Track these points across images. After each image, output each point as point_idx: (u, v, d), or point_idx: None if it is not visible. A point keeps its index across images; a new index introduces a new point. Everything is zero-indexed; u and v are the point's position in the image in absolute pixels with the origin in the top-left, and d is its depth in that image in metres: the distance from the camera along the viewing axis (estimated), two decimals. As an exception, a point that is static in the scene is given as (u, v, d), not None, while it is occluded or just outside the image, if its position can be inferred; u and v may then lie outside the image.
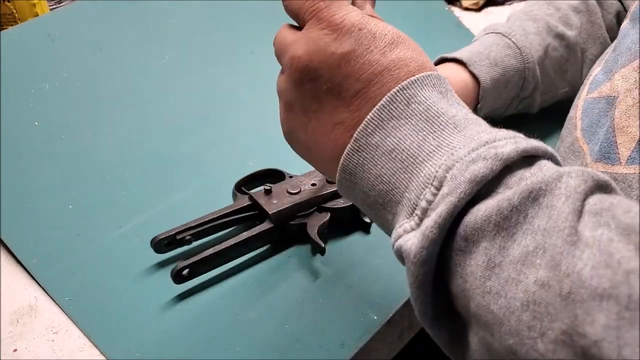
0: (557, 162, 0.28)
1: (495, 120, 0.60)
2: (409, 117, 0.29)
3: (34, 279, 0.44)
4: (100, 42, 0.59)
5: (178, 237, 0.44)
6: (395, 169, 0.29)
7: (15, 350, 0.39)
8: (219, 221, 0.46)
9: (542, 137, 0.61)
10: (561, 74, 0.60)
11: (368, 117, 0.30)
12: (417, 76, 0.30)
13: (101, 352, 0.38)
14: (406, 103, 0.29)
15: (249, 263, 0.45)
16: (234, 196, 0.49)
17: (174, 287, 0.42)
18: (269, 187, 0.47)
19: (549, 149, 0.28)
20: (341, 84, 0.31)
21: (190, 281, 0.42)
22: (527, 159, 0.27)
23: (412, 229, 0.27)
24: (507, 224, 0.24)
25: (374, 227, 0.47)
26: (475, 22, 0.85)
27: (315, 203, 0.46)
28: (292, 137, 0.35)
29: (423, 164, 0.28)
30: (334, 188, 0.47)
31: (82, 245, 0.46)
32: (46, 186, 0.49)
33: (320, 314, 0.40)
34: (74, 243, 0.46)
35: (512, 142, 0.26)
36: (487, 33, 0.60)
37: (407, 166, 0.28)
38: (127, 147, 0.54)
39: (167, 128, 0.57)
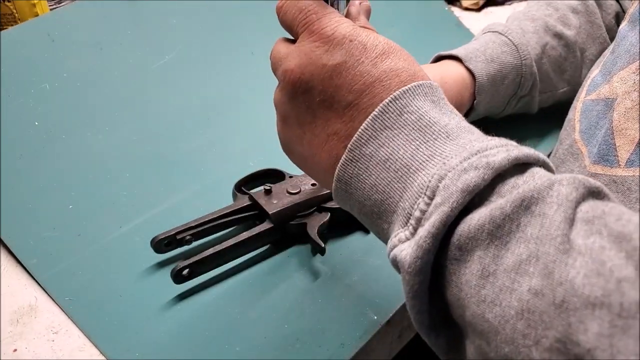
0: (549, 169, 0.28)
1: (494, 121, 0.60)
2: (402, 127, 0.29)
3: (34, 279, 0.44)
4: (100, 42, 0.59)
5: (178, 237, 0.44)
6: (389, 179, 0.29)
7: (15, 350, 0.39)
8: (219, 221, 0.46)
9: (541, 138, 0.61)
10: (560, 73, 0.60)
11: (361, 127, 0.30)
12: (409, 86, 0.30)
13: (101, 352, 0.38)
14: (399, 113, 0.30)
15: (249, 263, 0.45)
16: (234, 196, 0.49)
17: (174, 287, 0.42)
18: (269, 187, 0.47)
19: (541, 156, 0.28)
20: (333, 95, 0.31)
21: (190, 281, 0.42)
22: (519, 167, 0.27)
23: (407, 239, 0.28)
24: (500, 232, 0.24)
25: (374, 227, 0.47)
26: (475, 22, 0.85)
27: (315, 203, 0.46)
28: (289, 149, 0.36)
29: (416, 174, 0.28)
30: (334, 188, 0.47)
31: (82, 245, 0.46)
32: (46, 186, 0.49)
33: (320, 314, 0.40)
34: (74, 243, 0.46)
35: (503, 150, 0.27)
36: (485, 32, 0.60)
37: (401, 176, 0.29)
38: (127, 147, 0.54)
39: (167, 128, 0.57)
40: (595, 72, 0.46)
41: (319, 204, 0.46)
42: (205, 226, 0.45)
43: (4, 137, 0.50)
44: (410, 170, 0.28)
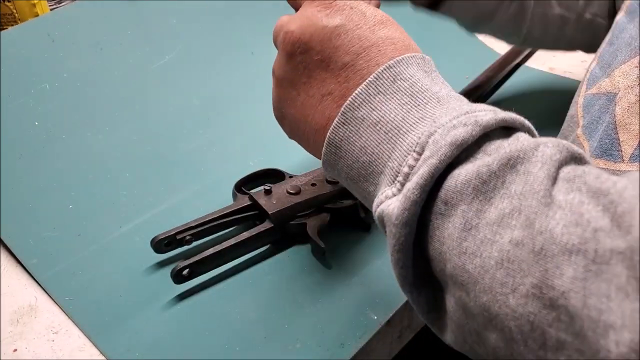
0: (533, 135, 0.29)
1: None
2: (395, 93, 0.30)
3: (34, 279, 0.44)
4: (100, 42, 0.59)
5: (178, 237, 0.44)
6: (379, 140, 0.30)
7: (15, 350, 0.39)
8: (219, 221, 0.46)
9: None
10: None
11: (356, 92, 0.31)
12: (403, 56, 0.31)
13: (101, 352, 0.38)
14: (392, 80, 0.31)
15: (249, 263, 0.45)
16: (234, 196, 0.49)
17: (174, 287, 0.42)
18: (269, 187, 0.47)
19: (526, 122, 0.29)
20: (330, 56, 0.33)
21: (190, 281, 0.42)
22: (506, 130, 0.28)
23: (394, 195, 0.28)
24: (485, 188, 0.25)
25: (374, 227, 0.47)
26: (475, 22, 0.85)
27: (315, 203, 0.46)
28: (282, 113, 0.37)
29: (406, 135, 0.29)
30: (334, 188, 0.47)
31: (82, 245, 0.46)
32: (46, 186, 0.49)
33: (320, 314, 0.40)
34: (74, 243, 0.46)
35: (491, 112, 0.28)
36: None
37: (391, 137, 0.30)
38: (127, 147, 0.54)
39: (167, 128, 0.57)
40: (593, 65, 0.45)
41: (319, 204, 0.46)
42: (205, 226, 0.45)
43: (4, 137, 0.50)
44: (401, 132, 0.29)
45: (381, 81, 0.31)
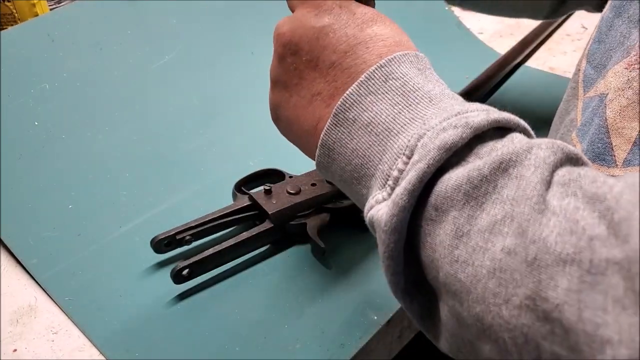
0: (529, 135, 0.28)
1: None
2: (386, 93, 0.30)
3: (34, 279, 0.44)
4: (100, 42, 0.59)
5: (178, 237, 0.44)
6: (370, 143, 0.30)
7: (15, 350, 0.39)
8: (219, 221, 0.46)
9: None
10: None
11: (347, 92, 0.31)
12: (395, 54, 0.31)
13: (101, 352, 0.38)
14: (384, 79, 0.30)
15: (249, 263, 0.45)
16: (234, 196, 0.49)
17: (174, 287, 0.42)
18: (269, 187, 0.47)
19: (522, 122, 0.28)
20: (319, 56, 0.32)
21: (190, 281, 0.42)
22: (499, 131, 0.27)
23: (384, 199, 0.28)
24: (476, 193, 0.25)
25: (374, 227, 0.47)
26: (475, 22, 0.85)
27: (315, 203, 0.46)
28: (277, 116, 0.36)
29: (397, 137, 0.28)
30: (334, 188, 0.47)
31: (82, 245, 0.46)
32: (46, 186, 0.49)
33: (320, 314, 0.40)
34: (74, 243, 0.46)
35: (484, 113, 0.27)
36: None
37: (382, 139, 0.29)
38: (127, 147, 0.54)
39: (167, 128, 0.57)
40: (583, 64, 0.45)
41: (319, 204, 0.46)
42: (205, 226, 0.45)
43: (4, 137, 0.50)
44: (392, 133, 0.29)
45: (372, 81, 0.30)
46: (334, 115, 0.31)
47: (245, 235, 0.44)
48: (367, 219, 0.29)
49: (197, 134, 0.57)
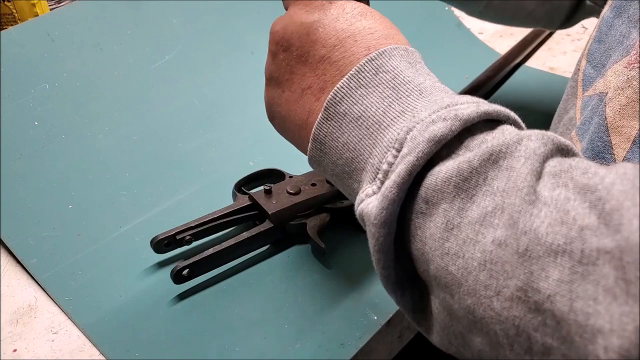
0: (520, 127, 0.28)
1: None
2: (376, 86, 0.30)
3: (34, 279, 0.44)
4: (100, 42, 0.59)
5: (178, 237, 0.44)
6: (360, 136, 0.30)
7: (15, 350, 0.39)
8: (219, 221, 0.46)
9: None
10: None
11: (337, 86, 0.31)
12: (386, 47, 0.31)
13: (101, 352, 0.38)
14: (374, 72, 0.30)
15: (249, 263, 0.45)
16: (234, 196, 0.49)
17: (174, 287, 0.42)
18: (269, 187, 0.47)
19: (512, 113, 0.28)
20: (309, 50, 0.33)
21: (190, 281, 0.42)
22: (490, 124, 0.27)
23: (374, 193, 0.28)
24: (466, 185, 0.25)
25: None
26: (475, 22, 0.85)
27: (315, 203, 0.46)
28: (271, 113, 0.37)
29: (387, 130, 0.28)
30: (334, 188, 0.47)
31: (82, 245, 0.46)
32: (46, 186, 0.49)
33: (320, 314, 0.40)
34: (74, 243, 0.46)
35: (473, 105, 0.27)
36: None
37: (372, 132, 0.29)
38: (127, 147, 0.54)
39: (167, 128, 0.57)
40: (583, 64, 0.45)
41: (319, 204, 0.46)
42: (205, 226, 0.45)
43: (4, 137, 0.50)
44: (382, 126, 0.29)
45: (363, 74, 0.30)
46: (324, 109, 0.31)
47: (245, 235, 0.44)
48: (357, 213, 0.29)
49: (197, 134, 0.57)
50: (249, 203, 0.47)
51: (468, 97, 0.28)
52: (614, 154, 0.38)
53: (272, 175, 0.51)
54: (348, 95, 0.30)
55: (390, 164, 0.27)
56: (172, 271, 0.41)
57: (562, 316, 0.20)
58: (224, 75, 0.63)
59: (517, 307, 0.22)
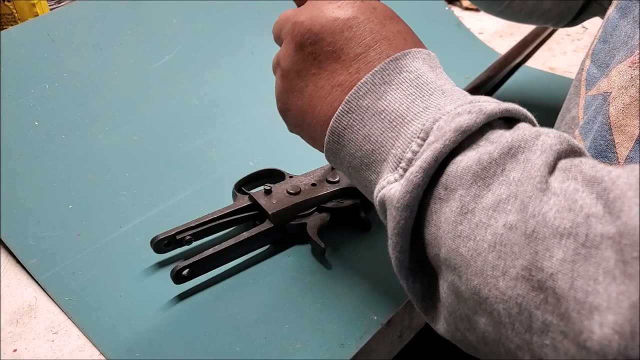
0: (534, 126, 0.29)
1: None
2: (400, 84, 0.31)
3: (34, 279, 0.44)
4: (100, 42, 0.59)
5: (178, 237, 0.44)
6: (383, 129, 0.31)
7: (15, 350, 0.39)
8: (219, 221, 0.46)
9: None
10: None
11: (361, 81, 0.32)
12: (410, 49, 0.32)
13: (101, 352, 0.38)
14: (398, 71, 0.31)
15: (249, 263, 0.45)
16: (234, 196, 0.49)
17: (174, 287, 0.42)
18: (269, 187, 0.47)
19: (529, 114, 0.30)
20: (342, 47, 0.33)
21: (190, 281, 0.42)
22: (508, 121, 0.29)
23: (396, 180, 0.29)
24: (485, 174, 0.26)
25: (374, 227, 0.47)
26: (475, 22, 0.85)
27: (315, 203, 0.46)
28: (287, 105, 0.37)
29: (410, 123, 0.30)
30: (334, 188, 0.47)
31: (82, 245, 0.46)
32: (46, 186, 0.49)
33: (320, 314, 0.40)
34: (74, 243, 0.46)
35: (494, 103, 0.29)
36: None
37: (395, 126, 0.30)
38: (127, 147, 0.54)
39: (167, 128, 0.57)
40: (587, 63, 0.45)
41: (319, 204, 0.46)
42: (205, 226, 0.45)
43: (4, 137, 0.50)
44: (405, 120, 0.30)
45: (387, 72, 0.31)
46: (345, 102, 0.32)
47: (245, 235, 0.44)
48: (377, 199, 0.30)
49: (197, 134, 0.57)
50: (249, 203, 0.47)
51: (487, 97, 0.30)
52: (616, 153, 0.38)
53: (272, 175, 0.51)
54: (372, 91, 0.31)
55: (415, 152, 0.28)
56: (172, 271, 0.41)
57: (563, 293, 0.21)
58: (224, 75, 0.63)
59: (521, 285, 0.23)
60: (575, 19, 0.61)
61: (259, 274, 0.44)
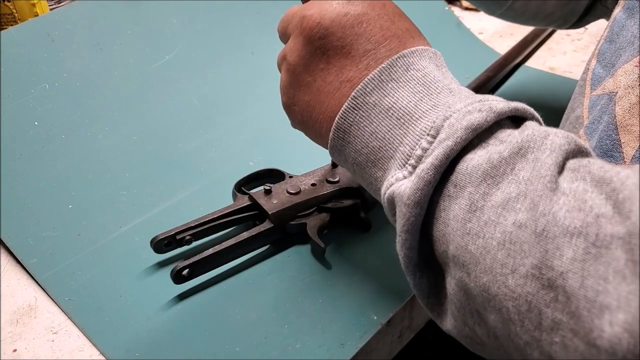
0: (542, 125, 0.30)
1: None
2: (408, 81, 0.31)
3: (34, 279, 0.44)
4: (100, 42, 0.59)
5: (178, 237, 0.44)
6: (390, 126, 0.31)
7: (15, 350, 0.39)
8: (219, 221, 0.46)
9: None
10: None
11: (367, 78, 0.32)
12: (416, 48, 0.32)
13: (101, 352, 0.38)
14: (405, 69, 0.31)
15: (249, 263, 0.45)
16: (234, 196, 0.49)
17: (174, 287, 0.42)
18: (269, 187, 0.47)
19: (536, 113, 0.30)
20: (352, 43, 0.33)
21: (190, 281, 0.42)
22: (517, 120, 0.29)
23: (405, 177, 0.29)
24: (494, 172, 0.26)
25: (374, 227, 0.47)
26: (476, 22, 0.85)
27: (315, 203, 0.46)
28: (293, 100, 0.36)
29: (419, 120, 0.30)
30: (334, 188, 0.47)
31: (82, 245, 0.46)
32: (46, 186, 0.49)
33: (320, 314, 0.40)
34: (74, 243, 0.46)
35: (503, 102, 0.29)
36: None
37: (403, 123, 0.30)
38: (127, 147, 0.54)
39: (167, 128, 0.57)
40: (593, 64, 0.45)
41: (319, 204, 0.46)
42: (205, 226, 0.45)
43: (4, 137, 0.50)
44: (413, 117, 0.30)
45: (394, 69, 0.31)
46: (352, 99, 0.32)
47: (245, 235, 0.44)
48: (384, 196, 0.30)
49: (197, 134, 0.57)
50: (249, 203, 0.47)
51: (495, 96, 0.30)
52: (622, 152, 0.38)
53: (272, 175, 0.51)
54: (379, 88, 0.31)
55: (425, 150, 0.28)
56: (172, 271, 0.41)
57: (573, 292, 0.21)
58: (224, 75, 0.63)
59: (531, 283, 0.23)
60: (579, 21, 0.61)
61: (259, 274, 0.44)
